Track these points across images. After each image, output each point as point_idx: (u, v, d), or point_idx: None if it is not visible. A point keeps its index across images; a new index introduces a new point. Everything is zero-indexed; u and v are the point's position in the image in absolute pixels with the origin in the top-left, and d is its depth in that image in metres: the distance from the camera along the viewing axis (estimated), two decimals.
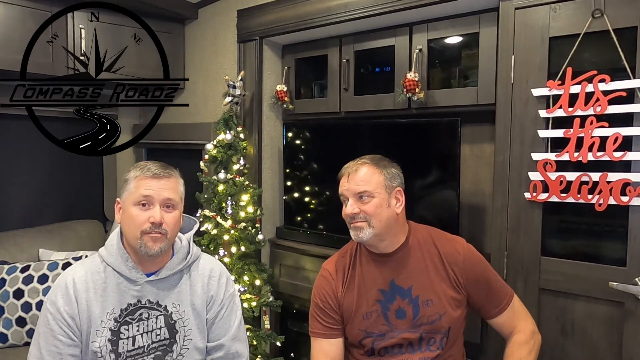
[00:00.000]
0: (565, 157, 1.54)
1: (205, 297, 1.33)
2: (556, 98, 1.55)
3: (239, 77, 2.24)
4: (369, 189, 1.31)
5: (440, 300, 1.33)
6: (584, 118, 1.50)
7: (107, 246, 1.29)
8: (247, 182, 2.19)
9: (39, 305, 2.06)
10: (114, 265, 1.26)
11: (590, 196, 1.50)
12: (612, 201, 1.46)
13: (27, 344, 2.06)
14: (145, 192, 1.22)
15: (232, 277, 1.45)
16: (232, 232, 2.10)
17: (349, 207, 1.33)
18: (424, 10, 1.89)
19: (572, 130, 1.52)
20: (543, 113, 1.58)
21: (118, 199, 1.29)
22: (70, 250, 2.42)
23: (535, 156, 1.60)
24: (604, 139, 1.47)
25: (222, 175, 2.14)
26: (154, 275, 1.27)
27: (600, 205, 1.48)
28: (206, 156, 2.20)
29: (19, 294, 2.08)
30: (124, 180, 1.28)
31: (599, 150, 1.48)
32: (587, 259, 1.56)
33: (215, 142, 2.19)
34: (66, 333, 1.21)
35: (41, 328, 1.22)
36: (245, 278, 2.11)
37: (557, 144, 1.57)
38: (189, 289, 1.32)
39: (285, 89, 2.40)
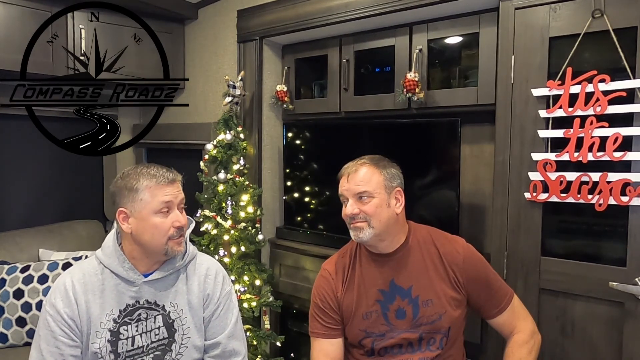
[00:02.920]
0: (565, 157, 1.54)
1: (202, 295, 1.34)
2: (556, 98, 1.55)
3: (239, 77, 2.24)
4: (369, 189, 1.31)
5: (440, 300, 1.33)
6: (584, 118, 1.50)
7: (104, 248, 1.30)
8: (247, 182, 2.20)
9: (39, 305, 2.06)
10: (111, 267, 1.26)
11: (590, 196, 1.50)
12: (612, 201, 1.46)
13: (27, 344, 2.06)
14: (166, 198, 1.24)
15: (231, 277, 1.45)
16: (232, 232, 2.10)
17: (349, 208, 1.33)
18: (424, 10, 1.88)
19: (572, 130, 1.52)
20: (543, 113, 1.58)
21: (123, 209, 1.25)
22: (70, 250, 2.42)
23: (535, 156, 1.60)
24: (604, 139, 1.47)
25: (222, 175, 2.14)
26: (151, 276, 1.28)
27: (600, 205, 1.48)
28: (206, 156, 2.20)
29: (19, 294, 2.08)
30: (128, 190, 1.23)
31: (599, 151, 1.48)
32: (587, 259, 1.56)
33: (215, 142, 2.19)
34: (67, 334, 1.21)
35: (41, 330, 1.22)
36: (245, 278, 2.11)
37: (557, 144, 1.57)
38: (185, 288, 1.32)
39: (285, 89, 2.40)
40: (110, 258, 1.27)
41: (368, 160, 1.37)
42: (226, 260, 2.10)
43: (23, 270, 2.14)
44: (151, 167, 1.27)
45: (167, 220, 1.24)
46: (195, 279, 1.34)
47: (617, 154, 1.45)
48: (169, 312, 1.29)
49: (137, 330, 1.25)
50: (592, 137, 1.49)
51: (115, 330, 1.23)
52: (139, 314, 1.26)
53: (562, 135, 1.54)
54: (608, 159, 1.47)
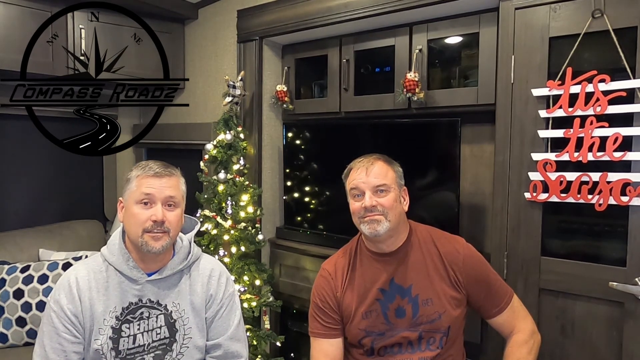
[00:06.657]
0: (565, 157, 1.54)
1: (205, 296, 1.34)
2: (556, 98, 1.55)
3: (239, 77, 2.24)
4: (387, 183, 1.33)
5: (439, 300, 1.34)
6: (584, 118, 1.50)
7: (109, 245, 1.31)
8: (247, 182, 2.20)
9: (39, 305, 2.06)
10: (116, 265, 1.27)
11: (590, 196, 1.50)
12: (612, 201, 1.46)
13: (27, 344, 2.06)
14: (147, 190, 1.23)
15: (233, 278, 1.45)
16: (232, 232, 2.10)
17: (368, 200, 1.32)
18: (424, 10, 1.88)
19: (572, 130, 1.52)
20: (543, 113, 1.58)
21: (120, 198, 1.30)
22: (70, 250, 2.42)
23: (535, 156, 1.60)
24: (604, 139, 1.47)
25: (222, 175, 2.14)
26: (155, 275, 1.28)
27: (600, 205, 1.48)
28: (206, 156, 2.20)
29: (19, 294, 2.08)
30: (125, 180, 1.29)
31: (599, 150, 1.48)
32: (587, 259, 1.56)
33: (215, 142, 2.19)
34: (70, 331, 1.22)
35: (45, 327, 1.23)
36: (245, 278, 2.11)
37: (557, 144, 1.57)
38: (188, 288, 1.33)
39: (285, 89, 2.40)
40: (114, 256, 1.28)
41: (380, 156, 1.39)
42: (226, 260, 2.10)
43: (23, 270, 2.14)
44: (149, 161, 1.30)
45: (145, 212, 1.23)
46: (198, 280, 1.35)
47: (617, 154, 1.45)
48: (171, 311, 1.29)
49: (138, 329, 1.26)
50: (592, 137, 1.49)
51: (117, 327, 1.24)
52: (141, 313, 1.27)
53: (562, 135, 1.54)
54: (608, 159, 1.47)
